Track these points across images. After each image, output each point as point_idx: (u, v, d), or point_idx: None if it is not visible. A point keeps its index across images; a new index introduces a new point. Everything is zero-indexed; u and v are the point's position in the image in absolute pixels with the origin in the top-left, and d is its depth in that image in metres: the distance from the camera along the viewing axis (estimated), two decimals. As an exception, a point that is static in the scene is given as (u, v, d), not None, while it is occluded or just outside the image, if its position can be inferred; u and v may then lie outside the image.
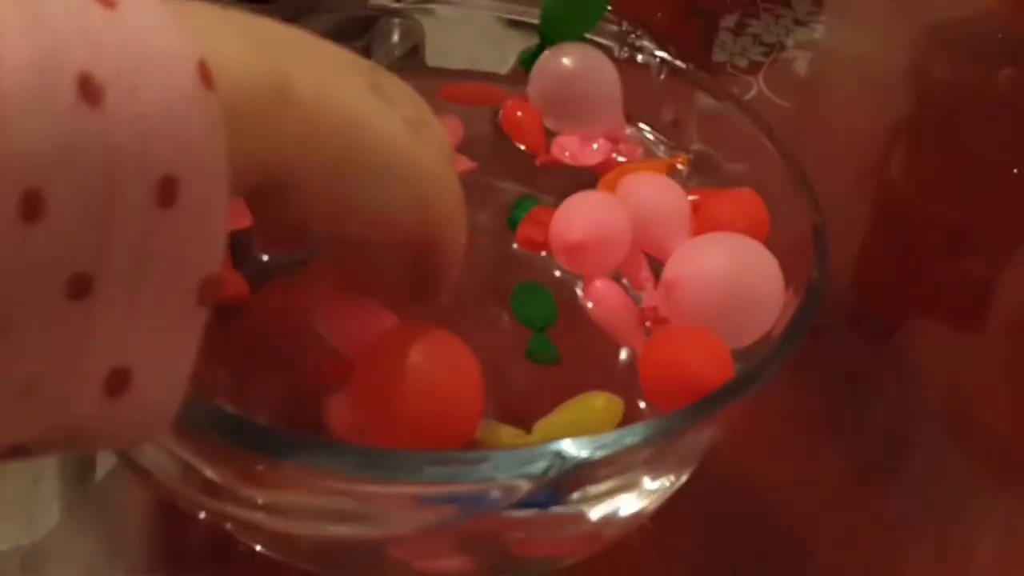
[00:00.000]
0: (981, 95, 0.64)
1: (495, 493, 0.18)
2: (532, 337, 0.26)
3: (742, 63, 0.63)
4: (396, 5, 0.35)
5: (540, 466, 0.18)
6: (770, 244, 0.26)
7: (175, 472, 0.18)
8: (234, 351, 0.22)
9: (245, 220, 0.20)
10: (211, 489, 0.18)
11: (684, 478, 0.25)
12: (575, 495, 0.20)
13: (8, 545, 0.28)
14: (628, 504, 0.23)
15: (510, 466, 0.18)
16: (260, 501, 0.19)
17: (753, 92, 0.61)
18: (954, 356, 0.41)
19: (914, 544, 0.32)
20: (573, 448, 0.18)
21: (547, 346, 0.26)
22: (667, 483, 0.24)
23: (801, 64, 0.66)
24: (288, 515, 0.18)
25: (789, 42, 0.67)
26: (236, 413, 0.17)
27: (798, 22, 0.69)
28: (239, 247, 0.24)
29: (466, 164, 0.30)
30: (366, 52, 0.35)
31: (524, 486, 0.18)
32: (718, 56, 0.65)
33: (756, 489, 0.33)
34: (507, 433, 0.22)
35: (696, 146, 0.31)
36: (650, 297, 0.27)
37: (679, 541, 0.30)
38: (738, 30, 0.67)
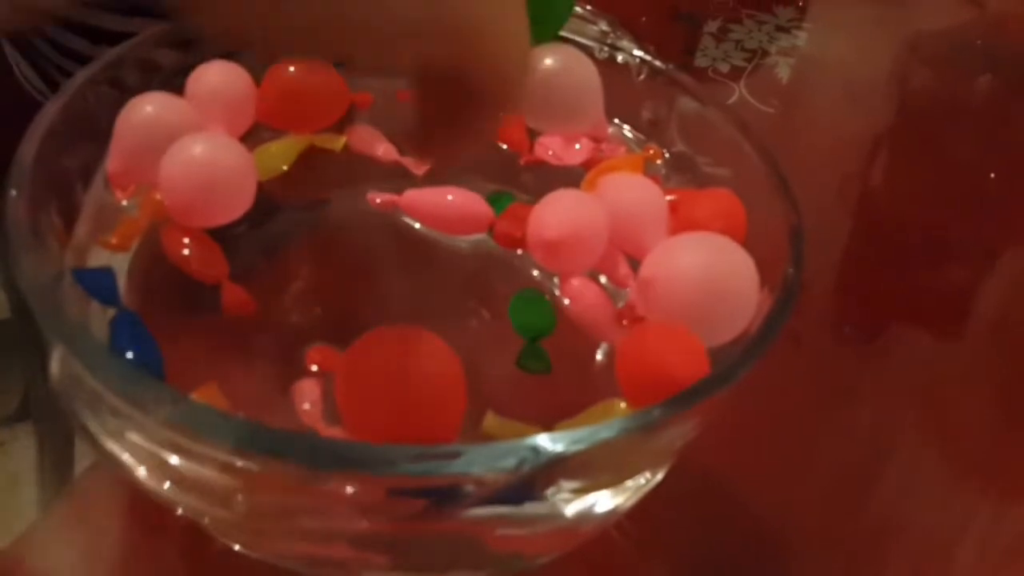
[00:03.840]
0: (960, 103, 0.65)
1: (468, 487, 0.18)
2: (524, 346, 0.26)
3: (724, 68, 0.64)
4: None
5: (512, 461, 0.18)
6: (748, 245, 0.26)
7: (151, 465, 0.18)
8: (218, 331, 0.22)
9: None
10: (185, 484, 0.18)
11: (660, 475, 0.25)
12: (550, 490, 0.20)
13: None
14: (604, 501, 0.23)
15: (483, 460, 0.18)
16: (234, 495, 0.18)
17: (735, 97, 0.61)
18: (934, 361, 0.42)
19: (894, 548, 0.33)
20: (548, 443, 0.18)
21: (539, 356, 0.26)
22: (643, 480, 0.24)
23: (783, 70, 0.67)
24: (261, 510, 0.18)
25: (771, 48, 0.68)
26: (211, 405, 0.17)
27: (780, 29, 0.69)
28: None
29: (421, 165, 0.30)
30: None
31: (497, 480, 0.18)
32: (700, 61, 0.65)
33: (735, 490, 0.33)
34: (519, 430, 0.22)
35: (675, 147, 0.32)
36: (629, 295, 0.27)
37: (656, 538, 0.30)
38: (721, 35, 0.67)
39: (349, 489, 0.17)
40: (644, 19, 0.70)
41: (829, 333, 0.43)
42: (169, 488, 0.18)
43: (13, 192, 0.21)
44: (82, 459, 0.37)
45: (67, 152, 0.24)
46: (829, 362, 0.40)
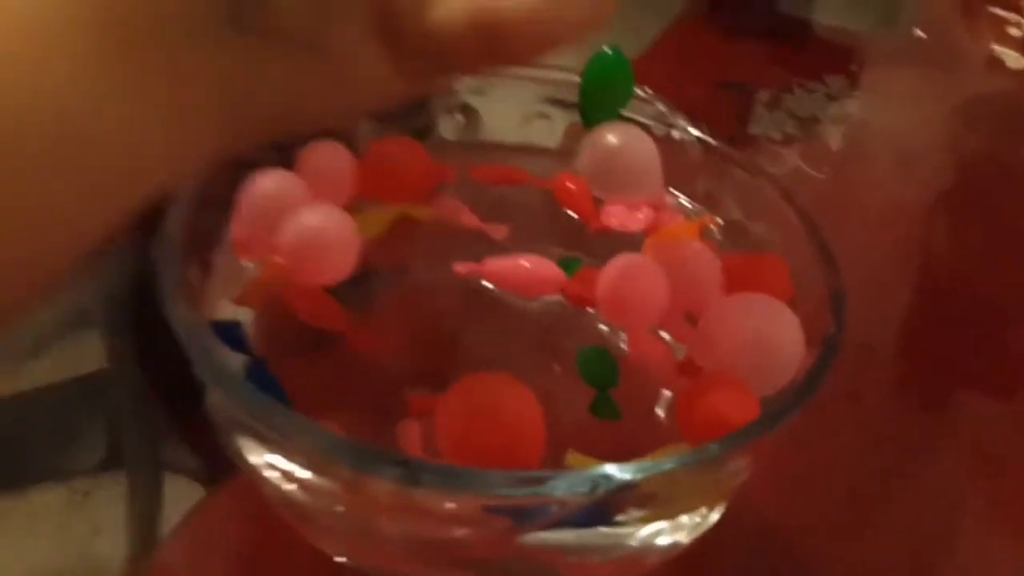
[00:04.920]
0: (1013, 166, 0.66)
1: (551, 507, 0.21)
2: (596, 396, 0.29)
3: (776, 136, 0.66)
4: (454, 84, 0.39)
5: (588, 485, 0.21)
6: (794, 304, 0.29)
7: (286, 480, 0.22)
8: (330, 374, 0.26)
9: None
10: (311, 494, 0.22)
11: (716, 515, 0.27)
12: (620, 517, 0.23)
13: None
14: (665, 535, 0.26)
15: (564, 484, 0.21)
16: (344, 507, 0.22)
17: (788, 165, 0.64)
18: (995, 423, 0.42)
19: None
20: (618, 471, 0.21)
21: (610, 404, 0.29)
22: (699, 518, 0.27)
23: (835, 138, 0.69)
24: (375, 522, 0.22)
25: (823, 116, 0.70)
26: (340, 433, 0.20)
27: (831, 97, 0.72)
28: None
29: (501, 231, 0.34)
30: (426, 130, 0.39)
31: (575, 501, 0.21)
32: (753, 129, 0.68)
33: (792, 546, 0.35)
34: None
35: (728, 215, 0.35)
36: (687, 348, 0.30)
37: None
38: (772, 105, 0.70)
39: (451, 505, 0.21)
40: (698, 90, 0.74)
41: (890, 395, 0.44)
42: (299, 497, 0.22)
43: (166, 251, 0.26)
44: (170, 516, 0.40)
45: (204, 219, 0.29)
46: (890, 424, 0.41)
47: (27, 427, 0.50)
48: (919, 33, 0.79)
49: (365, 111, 0.26)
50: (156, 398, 0.53)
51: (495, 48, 0.19)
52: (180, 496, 0.48)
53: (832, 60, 0.77)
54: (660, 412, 0.29)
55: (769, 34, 0.79)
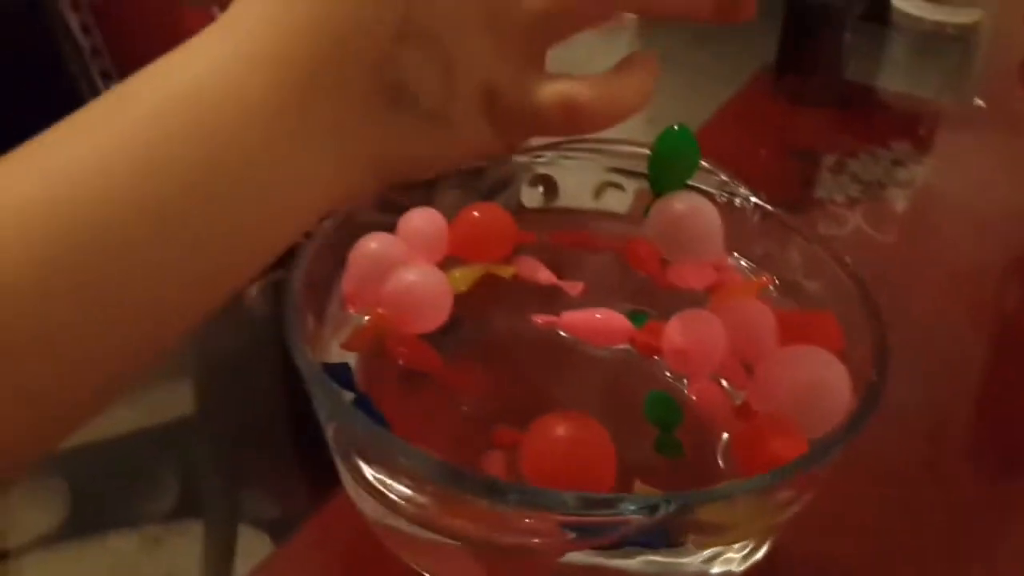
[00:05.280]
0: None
1: (620, 526, 0.24)
2: (659, 435, 0.32)
3: (840, 199, 0.69)
4: (531, 160, 0.43)
5: (651, 506, 0.24)
6: (844, 356, 0.32)
7: (398, 497, 0.26)
8: (424, 411, 0.29)
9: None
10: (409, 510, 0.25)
11: (765, 548, 0.30)
12: (680, 539, 0.27)
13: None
14: (719, 564, 0.29)
15: (631, 504, 0.24)
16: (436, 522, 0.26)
17: (850, 227, 0.66)
18: None
19: None
20: (677, 496, 0.25)
21: (673, 443, 0.32)
22: (750, 548, 0.30)
23: (900, 201, 0.71)
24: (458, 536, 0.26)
25: (888, 181, 0.72)
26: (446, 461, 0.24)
27: (896, 162, 0.74)
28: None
29: (576, 287, 0.38)
30: (509, 201, 0.43)
31: (640, 520, 0.24)
32: (818, 193, 0.71)
33: None
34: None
35: (784, 275, 0.38)
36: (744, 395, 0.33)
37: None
38: (837, 169, 0.73)
39: (530, 521, 0.24)
40: (765, 155, 0.77)
41: (967, 461, 0.45)
42: (401, 510, 0.26)
43: (292, 303, 0.30)
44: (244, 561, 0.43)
45: (321, 275, 0.33)
46: (966, 489, 0.42)
47: (105, 474, 0.52)
48: (979, 102, 0.80)
49: (467, 162, 0.32)
50: (239, 446, 0.56)
51: (575, 120, 0.26)
52: (249, 547, 0.50)
53: (897, 126, 0.79)
54: (719, 452, 0.32)
55: (835, 100, 0.81)
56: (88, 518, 0.50)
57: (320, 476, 0.38)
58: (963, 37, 0.95)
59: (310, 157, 0.23)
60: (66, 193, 0.20)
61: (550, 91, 0.27)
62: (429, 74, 0.25)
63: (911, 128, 0.79)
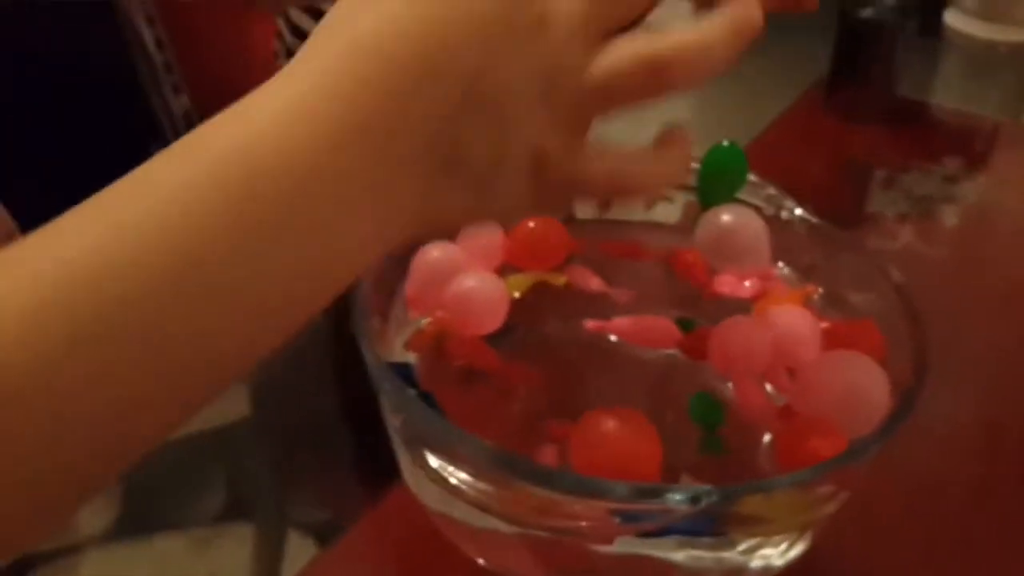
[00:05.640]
0: None
1: (666, 513, 0.26)
2: (704, 434, 0.34)
3: (891, 214, 0.69)
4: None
5: (694, 496, 0.26)
6: (886, 364, 0.33)
7: (457, 482, 0.28)
8: (482, 407, 0.31)
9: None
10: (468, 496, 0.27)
11: (804, 544, 0.31)
12: (722, 530, 0.28)
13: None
14: (758, 557, 0.30)
15: (676, 494, 0.26)
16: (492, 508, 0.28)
17: (901, 242, 0.67)
18: None
19: None
20: (719, 488, 0.26)
21: (716, 441, 0.34)
22: (786, 544, 0.31)
23: (951, 217, 0.71)
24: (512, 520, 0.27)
25: (939, 196, 0.72)
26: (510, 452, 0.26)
27: (948, 179, 0.74)
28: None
29: (625, 295, 0.40)
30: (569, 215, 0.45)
31: (684, 509, 0.26)
32: (869, 208, 0.71)
33: None
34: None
35: (829, 285, 0.39)
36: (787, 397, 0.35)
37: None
38: (888, 184, 0.73)
39: (581, 508, 0.26)
40: (818, 169, 0.77)
41: (1016, 483, 0.44)
42: (462, 494, 0.28)
43: (362, 306, 0.32)
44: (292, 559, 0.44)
45: (386, 280, 0.36)
46: (1014, 511, 0.42)
47: (156, 477, 0.52)
48: (1031, 119, 0.80)
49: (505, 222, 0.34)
50: (290, 449, 0.58)
51: (619, 195, 0.27)
52: (296, 552, 0.50)
53: (949, 142, 0.79)
54: (761, 452, 0.33)
55: (887, 116, 0.82)
56: (138, 519, 0.51)
57: (370, 479, 0.40)
58: (1016, 55, 0.94)
59: (353, 217, 0.23)
60: (124, 252, 0.21)
61: (597, 167, 0.27)
62: (483, 140, 0.25)
63: (963, 145, 0.79)
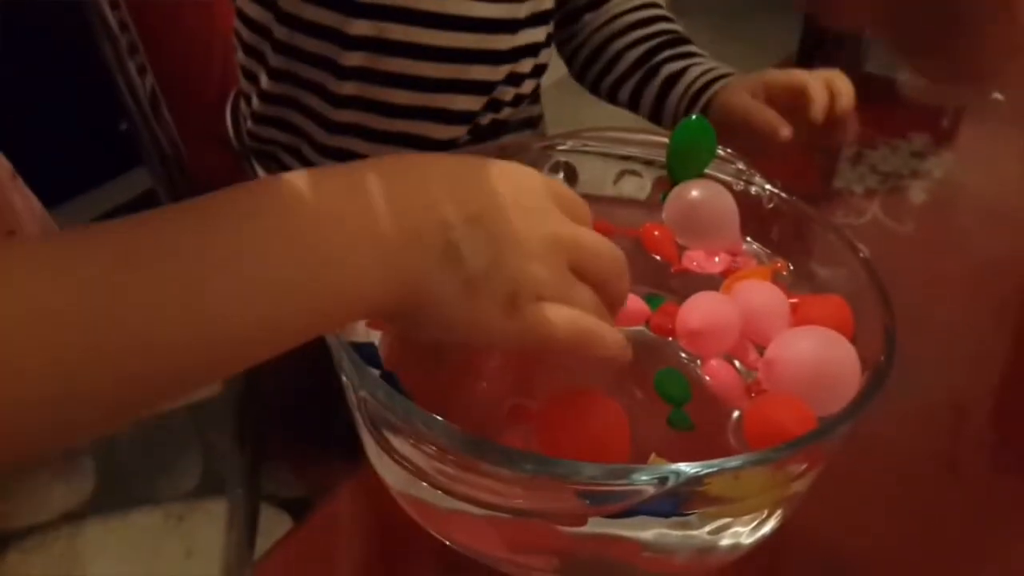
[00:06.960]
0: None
1: (634, 494, 0.26)
2: (672, 411, 0.33)
3: (859, 190, 0.69)
4: (556, 144, 0.45)
5: (661, 476, 0.25)
6: (855, 340, 0.33)
7: (418, 462, 0.27)
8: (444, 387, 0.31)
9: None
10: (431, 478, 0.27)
11: (773, 522, 0.31)
12: (691, 510, 0.28)
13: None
14: (727, 536, 0.30)
15: (642, 474, 0.25)
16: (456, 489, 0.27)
17: (868, 217, 0.67)
18: None
19: None
20: (687, 468, 0.26)
21: (684, 418, 0.33)
22: (756, 524, 0.31)
23: (918, 193, 0.71)
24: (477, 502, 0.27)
25: (906, 172, 0.73)
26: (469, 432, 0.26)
27: (915, 154, 0.74)
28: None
29: None
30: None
31: (651, 490, 0.26)
32: (837, 183, 0.71)
33: None
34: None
35: (797, 260, 0.39)
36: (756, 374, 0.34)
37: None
38: (856, 160, 0.73)
39: (550, 490, 0.26)
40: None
41: (987, 458, 0.45)
42: (425, 476, 0.27)
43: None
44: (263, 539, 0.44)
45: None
46: (984, 484, 0.42)
47: (130, 453, 0.52)
48: (997, 96, 0.80)
49: (473, 342, 0.33)
50: (263, 425, 0.58)
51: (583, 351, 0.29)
52: (270, 526, 0.50)
53: (916, 118, 0.79)
54: (730, 428, 0.33)
55: (855, 93, 0.82)
56: (113, 495, 0.50)
57: (344, 455, 0.39)
58: (985, 30, 0.94)
59: (357, 272, 0.26)
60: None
61: (567, 322, 0.29)
62: (481, 247, 0.27)
63: (930, 121, 0.80)
